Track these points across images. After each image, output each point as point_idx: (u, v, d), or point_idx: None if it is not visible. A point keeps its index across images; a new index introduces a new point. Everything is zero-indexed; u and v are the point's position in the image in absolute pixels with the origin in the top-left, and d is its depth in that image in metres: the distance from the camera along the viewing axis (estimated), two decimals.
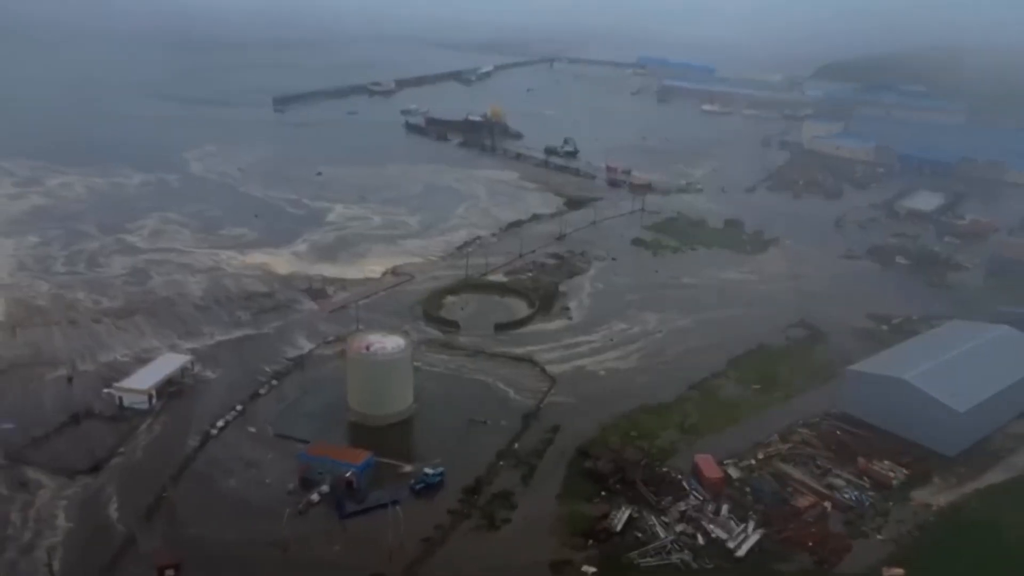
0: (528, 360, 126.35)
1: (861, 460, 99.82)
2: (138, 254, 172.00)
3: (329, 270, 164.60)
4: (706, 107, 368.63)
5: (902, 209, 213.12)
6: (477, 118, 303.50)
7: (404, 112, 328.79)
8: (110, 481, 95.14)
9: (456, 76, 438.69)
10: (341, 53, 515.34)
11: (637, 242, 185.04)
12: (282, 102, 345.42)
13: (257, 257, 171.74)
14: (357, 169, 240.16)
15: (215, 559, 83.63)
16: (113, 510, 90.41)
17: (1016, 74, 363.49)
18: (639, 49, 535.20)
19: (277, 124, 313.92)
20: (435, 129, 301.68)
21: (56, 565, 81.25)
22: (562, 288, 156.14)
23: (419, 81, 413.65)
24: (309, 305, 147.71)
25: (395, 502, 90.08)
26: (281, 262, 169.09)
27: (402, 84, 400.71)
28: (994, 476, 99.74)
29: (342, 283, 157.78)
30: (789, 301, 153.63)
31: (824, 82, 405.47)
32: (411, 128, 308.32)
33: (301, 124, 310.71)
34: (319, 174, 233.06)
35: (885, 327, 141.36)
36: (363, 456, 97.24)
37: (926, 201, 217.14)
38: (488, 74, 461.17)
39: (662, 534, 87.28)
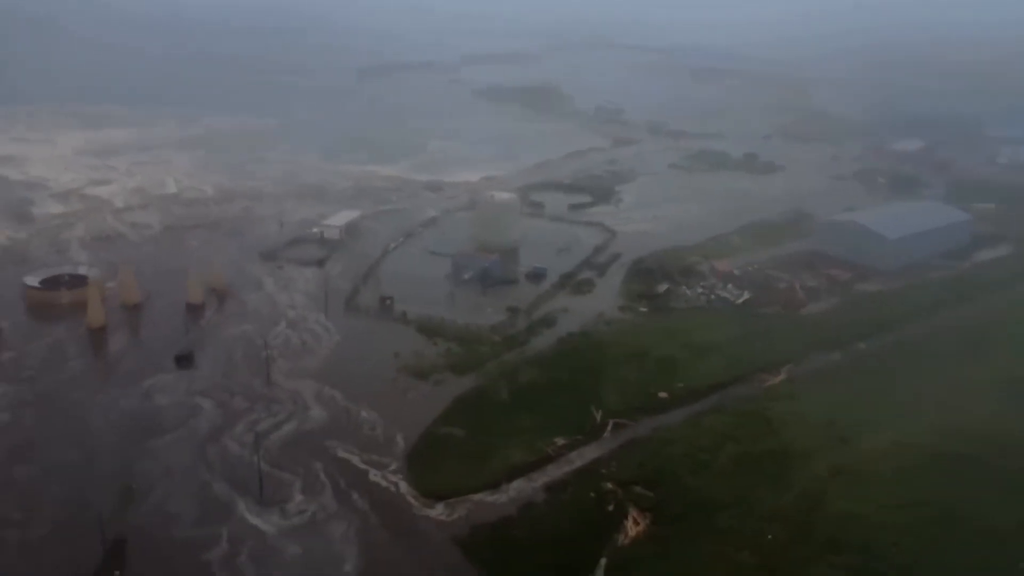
0: (595, 223, 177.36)
1: (822, 269, 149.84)
2: (283, 164, 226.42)
3: (437, 178, 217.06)
4: (729, 82, 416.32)
5: (889, 149, 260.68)
6: (533, 84, 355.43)
7: (452, 81, 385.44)
8: (331, 267, 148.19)
9: (510, 58, 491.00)
10: (415, 39, 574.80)
11: (674, 166, 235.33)
12: (364, 73, 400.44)
13: (376, 169, 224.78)
14: (438, 122, 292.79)
15: (411, 297, 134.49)
16: (338, 278, 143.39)
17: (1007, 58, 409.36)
18: (666, 36, 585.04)
19: (362, 91, 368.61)
20: (497, 94, 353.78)
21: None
22: (616, 188, 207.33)
23: (486, 59, 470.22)
24: (429, 194, 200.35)
25: (515, 281, 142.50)
26: (398, 172, 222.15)
27: (467, 60, 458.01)
28: (911, 281, 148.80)
29: (451, 185, 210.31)
30: (787, 200, 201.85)
31: (834, 61, 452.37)
32: (477, 93, 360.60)
33: (383, 90, 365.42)
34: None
35: None
36: (493, 256, 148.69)
37: (909, 144, 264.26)
38: (537, 57, 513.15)
39: (689, 294, 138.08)
